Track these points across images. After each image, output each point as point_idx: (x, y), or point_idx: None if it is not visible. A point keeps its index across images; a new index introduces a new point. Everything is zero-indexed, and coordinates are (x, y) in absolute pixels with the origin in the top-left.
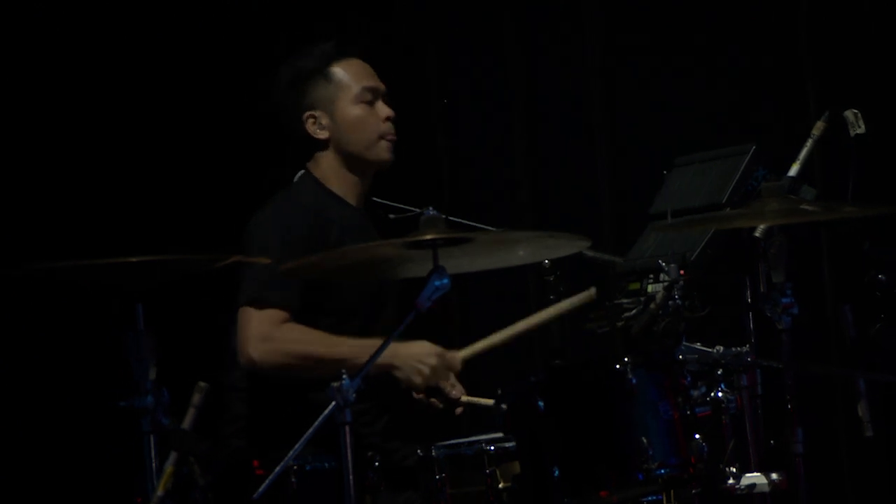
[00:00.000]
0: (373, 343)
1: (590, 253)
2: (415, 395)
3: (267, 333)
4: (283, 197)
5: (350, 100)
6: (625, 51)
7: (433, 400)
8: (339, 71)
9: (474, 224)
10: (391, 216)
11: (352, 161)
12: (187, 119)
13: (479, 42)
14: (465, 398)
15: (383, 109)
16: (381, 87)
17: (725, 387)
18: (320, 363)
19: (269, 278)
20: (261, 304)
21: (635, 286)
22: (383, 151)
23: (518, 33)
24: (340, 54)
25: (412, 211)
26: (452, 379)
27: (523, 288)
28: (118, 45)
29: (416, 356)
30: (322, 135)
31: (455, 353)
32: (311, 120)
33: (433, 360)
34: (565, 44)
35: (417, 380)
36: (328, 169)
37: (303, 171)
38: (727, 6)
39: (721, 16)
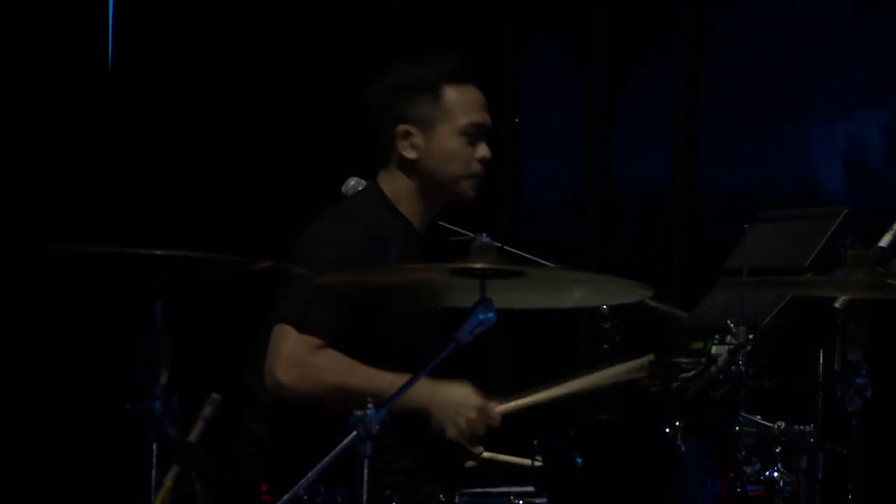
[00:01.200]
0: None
1: (652, 303)
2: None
3: (301, 358)
4: (343, 211)
5: (453, 129)
6: (714, 94)
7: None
8: (452, 94)
9: (530, 257)
10: (451, 238)
11: (432, 187)
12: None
13: (557, 67)
14: (486, 454)
15: (482, 149)
16: (489, 123)
17: (782, 467)
18: (353, 396)
19: (316, 300)
20: (301, 326)
21: (698, 345)
22: (468, 189)
23: (602, 71)
24: (459, 76)
25: (466, 235)
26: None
27: (576, 332)
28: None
29: (455, 404)
30: (410, 154)
31: (496, 405)
32: (402, 135)
33: (472, 414)
34: (647, 84)
35: (452, 431)
36: (402, 188)
37: (356, 181)
38: (822, 62)
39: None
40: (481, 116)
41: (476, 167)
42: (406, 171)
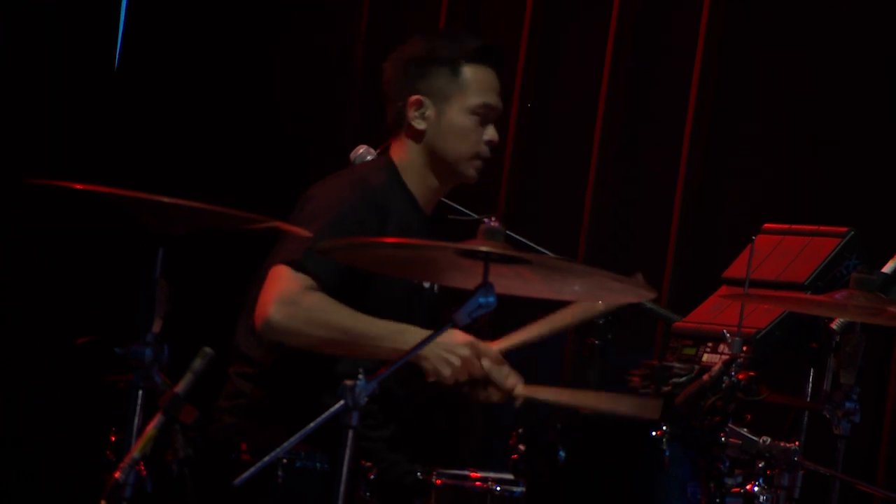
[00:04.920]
0: (402, 328)
1: (648, 304)
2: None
3: (293, 296)
4: (352, 175)
5: (465, 107)
6: (728, 109)
7: (488, 391)
8: (469, 72)
9: (533, 245)
10: (449, 216)
11: (437, 163)
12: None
13: (577, 61)
14: (522, 389)
15: (490, 132)
16: (500, 108)
17: (763, 482)
18: (340, 335)
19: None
20: (298, 267)
21: (690, 352)
22: (471, 170)
23: (621, 72)
24: (479, 57)
25: (471, 216)
26: (507, 368)
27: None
28: None
29: (444, 345)
30: (419, 125)
31: (490, 343)
32: (415, 105)
33: (465, 351)
34: (668, 87)
35: (446, 371)
36: (412, 162)
37: (366, 149)
38: (846, 79)
39: (839, 86)
40: (494, 99)
41: (483, 149)
42: (414, 143)
